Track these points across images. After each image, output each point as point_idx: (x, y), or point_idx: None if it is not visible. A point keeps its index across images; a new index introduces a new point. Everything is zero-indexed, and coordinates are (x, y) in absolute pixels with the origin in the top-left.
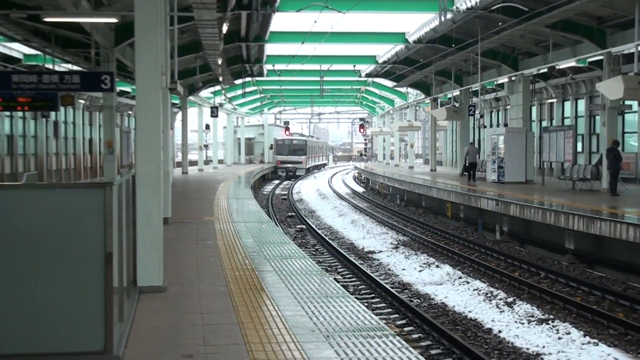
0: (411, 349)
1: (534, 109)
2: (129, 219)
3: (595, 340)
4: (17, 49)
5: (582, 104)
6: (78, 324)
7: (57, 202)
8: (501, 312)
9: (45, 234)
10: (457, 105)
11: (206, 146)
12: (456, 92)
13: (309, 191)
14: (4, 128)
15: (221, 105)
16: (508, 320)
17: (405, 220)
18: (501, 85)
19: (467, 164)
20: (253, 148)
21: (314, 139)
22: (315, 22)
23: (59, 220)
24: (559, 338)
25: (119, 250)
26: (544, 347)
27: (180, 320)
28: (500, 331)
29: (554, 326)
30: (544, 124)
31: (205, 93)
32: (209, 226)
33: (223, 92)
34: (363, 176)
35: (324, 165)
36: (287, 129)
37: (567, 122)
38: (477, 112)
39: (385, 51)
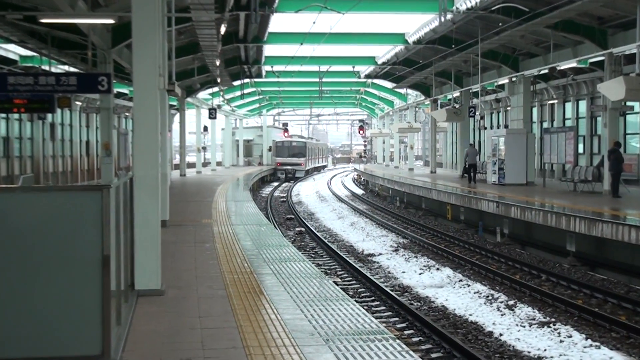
0: (411, 352)
1: (534, 110)
2: (127, 221)
3: (597, 344)
4: (13, 51)
5: (583, 105)
6: (75, 328)
7: (54, 205)
8: (502, 315)
9: (41, 237)
10: (457, 106)
11: (204, 148)
12: (456, 94)
13: (308, 193)
14: (0, 130)
15: (219, 106)
16: (509, 323)
17: (405, 223)
18: (501, 87)
19: (467, 166)
20: (252, 150)
21: (313, 141)
22: (314, 22)
23: (56, 224)
24: (561, 341)
25: (116, 254)
26: (545, 350)
27: (179, 324)
28: (501, 334)
29: (555, 329)
30: (545, 125)
31: (203, 95)
32: (207, 229)
33: (221, 93)
34: (362, 178)
35: (324, 167)
36: (285, 130)
37: (568, 123)
38: (477, 113)
39: (384, 52)
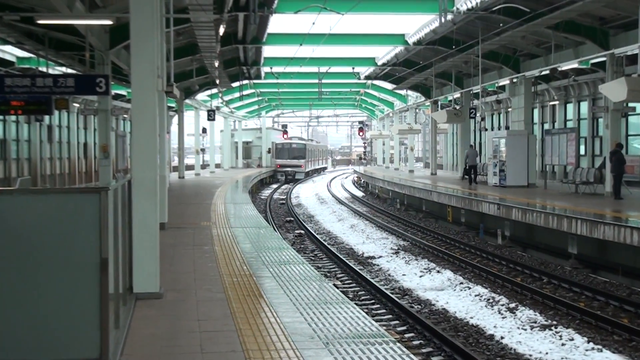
0: (412, 356)
1: (535, 111)
2: (125, 224)
3: (600, 347)
4: (10, 52)
5: (584, 106)
6: (73, 331)
7: (52, 208)
8: (503, 318)
9: (39, 240)
10: (457, 107)
11: (203, 150)
12: (457, 95)
13: (308, 195)
14: None
15: (218, 108)
16: (510, 326)
17: (405, 225)
18: (502, 88)
19: (467, 167)
20: (251, 152)
21: (313, 143)
22: (313, 23)
23: (54, 226)
24: (563, 344)
25: (114, 257)
26: (547, 353)
27: (177, 327)
28: (502, 337)
29: (557, 332)
30: (546, 126)
31: (201, 96)
32: (206, 231)
33: (220, 95)
34: (362, 180)
35: (324, 169)
36: (285, 132)
37: (570, 124)
38: (478, 114)
39: (384, 53)
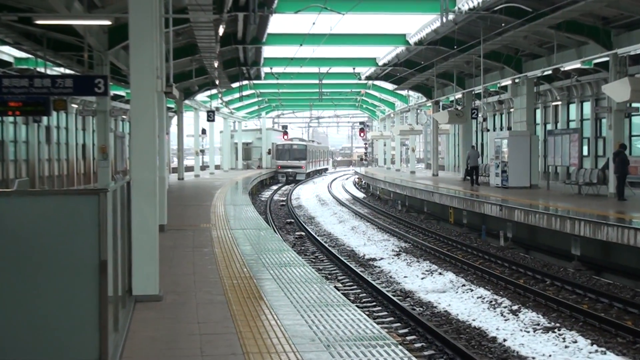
0: (414, 358)
1: (538, 111)
2: (124, 226)
3: (603, 349)
4: (8, 53)
5: (587, 107)
6: (72, 334)
7: (50, 209)
8: (506, 320)
9: (37, 242)
10: (459, 108)
11: (202, 151)
12: (458, 95)
13: (308, 197)
14: None
15: (218, 109)
16: (513, 328)
17: (407, 227)
18: (504, 88)
19: (468, 168)
20: (251, 153)
21: (314, 144)
22: (313, 23)
23: (52, 228)
24: (566, 347)
25: (113, 259)
26: (550, 356)
27: (177, 330)
28: (505, 340)
29: (560, 334)
30: (549, 127)
31: (201, 97)
32: (206, 233)
33: (220, 95)
34: (363, 181)
35: (325, 170)
36: (285, 133)
37: (573, 125)
38: (480, 115)
39: (385, 53)
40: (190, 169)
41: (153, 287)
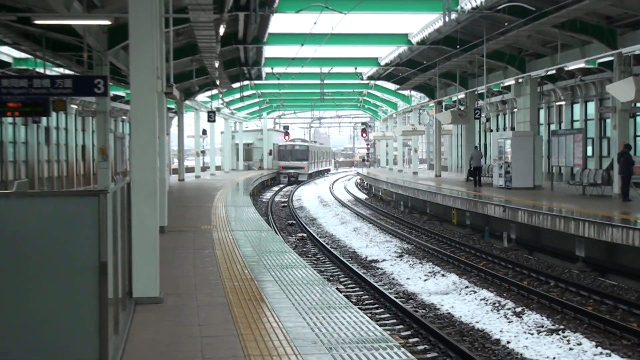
0: None
1: (541, 111)
2: (124, 227)
3: (608, 351)
4: (7, 53)
5: (591, 107)
6: (72, 337)
7: (49, 211)
8: (509, 322)
9: (37, 244)
10: (462, 108)
11: (203, 152)
12: (461, 95)
13: (310, 198)
14: None
15: (218, 109)
16: (517, 330)
17: (409, 228)
18: (508, 88)
19: (471, 169)
20: (252, 154)
21: (316, 144)
22: (315, 23)
23: (51, 230)
24: (570, 349)
25: (113, 260)
26: (554, 358)
27: (177, 333)
28: (508, 342)
29: (564, 337)
30: (553, 127)
31: (202, 97)
32: (207, 235)
33: (220, 96)
34: (365, 182)
35: (327, 171)
36: (286, 133)
37: (577, 125)
38: (483, 115)
39: (387, 53)
40: (190, 170)
41: (153, 289)
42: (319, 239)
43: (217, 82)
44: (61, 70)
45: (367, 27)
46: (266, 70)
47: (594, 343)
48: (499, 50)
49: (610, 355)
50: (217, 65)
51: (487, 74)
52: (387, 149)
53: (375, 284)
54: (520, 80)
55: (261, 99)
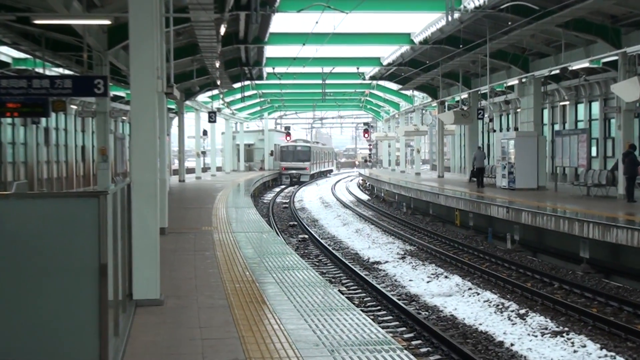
0: None
1: (545, 112)
2: (124, 229)
3: (613, 354)
4: (6, 53)
5: (596, 107)
6: (72, 339)
7: (49, 212)
8: (513, 324)
9: (36, 245)
10: (465, 108)
11: (204, 153)
12: (464, 95)
13: (312, 199)
14: None
15: (219, 110)
16: (520, 332)
17: (412, 229)
18: (511, 88)
19: (474, 169)
20: (253, 154)
21: (319, 145)
22: (316, 22)
23: (51, 231)
24: (575, 351)
25: (113, 262)
26: None
27: (178, 335)
28: (512, 344)
29: (569, 339)
30: (557, 127)
31: (202, 97)
32: (208, 236)
33: (221, 96)
34: (368, 183)
35: (330, 171)
36: (288, 134)
37: (581, 125)
38: (486, 115)
39: (390, 53)
40: (191, 170)
41: (154, 291)
42: (321, 240)
43: (218, 82)
44: (61, 70)
45: (369, 26)
46: (267, 70)
47: (598, 345)
48: (502, 50)
49: (615, 358)
50: (217, 65)
51: (490, 73)
52: (389, 149)
53: (378, 286)
54: (523, 80)
55: (262, 99)
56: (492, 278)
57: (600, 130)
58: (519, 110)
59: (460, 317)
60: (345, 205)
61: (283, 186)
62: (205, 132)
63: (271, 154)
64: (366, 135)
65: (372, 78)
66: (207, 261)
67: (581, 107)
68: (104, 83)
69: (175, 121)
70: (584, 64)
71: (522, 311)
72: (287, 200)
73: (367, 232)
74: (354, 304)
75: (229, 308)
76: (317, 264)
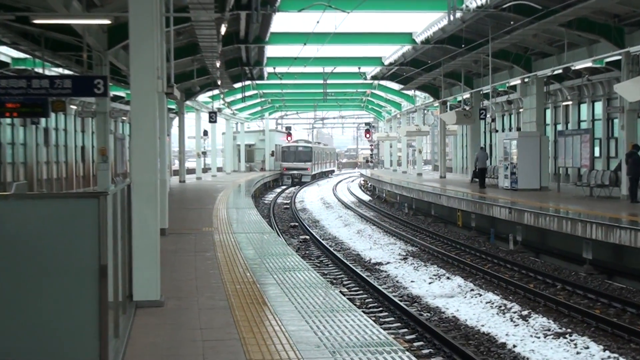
0: None
1: (548, 112)
2: (124, 230)
3: (616, 355)
4: (5, 53)
5: (599, 107)
6: (71, 340)
7: (49, 213)
8: (516, 325)
9: (36, 246)
10: (467, 108)
11: (204, 153)
12: (466, 95)
13: (313, 200)
14: None
15: (220, 110)
16: (523, 334)
17: (414, 230)
18: (514, 88)
19: (476, 170)
20: (253, 155)
21: (320, 145)
22: (318, 22)
23: (51, 232)
24: (578, 353)
25: (113, 263)
26: None
27: (179, 337)
28: (514, 346)
29: (571, 340)
30: (559, 127)
31: (203, 97)
32: (208, 237)
33: (222, 96)
34: (369, 184)
35: (332, 172)
36: (289, 134)
37: (584, 125)
38: (488, 115)
39: (391, 52)
40: (191, 171)
41: (154, 293)
42: (322, 241)
43: (219, 82)
44: (60, 70)
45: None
46: (268, 70)
47: (601, 347)
48: (505, 50)
49: (618, 359)
50: (218, 65)
51: (492, 73)
52: (391, 150)
53: (379, 287)
54: (526, 80)
55: (263, 99)
56: (495, 279)
57: (603, 131)
58: (521, 110)
59: (462, 318)
60: (346, 206)
61: (284, 187)
62: (205, 133)
63: (272, 155)
64: (367, 135)
65: (374, 78)
66: (207, 262)
67: (584, 107)
68: (104, 83)
69: (176, 121)
70: (587, 63)
71: (525, 312)
72: (288, 201)
73: (368, 233)
74: (355, 305)
75: (229, 309)
76: (318, 265)
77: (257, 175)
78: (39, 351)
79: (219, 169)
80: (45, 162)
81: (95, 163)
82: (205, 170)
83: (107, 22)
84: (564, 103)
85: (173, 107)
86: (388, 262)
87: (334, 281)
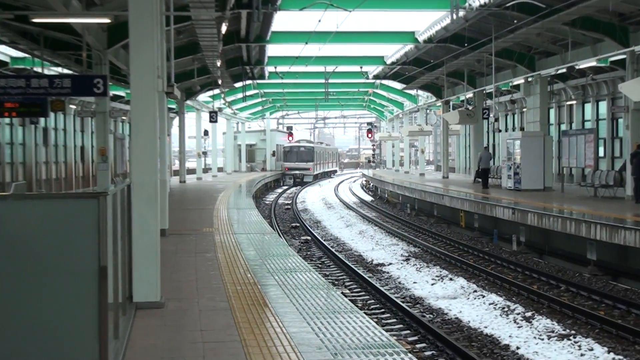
0: None
1: (552, 111)
2: (124, 230)
3: (620, 357)
4: (4, 52)
5: (603, 106)
6: (71, 341)
7: (48, 213)
8: (519, 327)
9: (35, 247)
10: (470, 108)
11: (205, 153)
12: (469, 95)
13: (314, 200)
14: None
15: (220, 109)
16: (526, 336)
17: (416, 231)
18: (517, 87)
19: (479, 170)
20: (254, 155)
21: (322, 145)
22: (319, 21)
23: (50, 233)
24: (582, 355)
25: (113, 264)
26: None
27: (179, 338)
28: (518, 347)
29: (575, 342)
30: (563, 127)
31: (203, 97)
32: (209, 238)
33: (222, 96)
34: (371, 184)
35: (334, 172)
36: (290, 134)
37: (588, 125)
38: (491, 115)
39: (393, 51)
40: (192, 171)
41: (154, 294)
42: (324, 242)
43: (219, 82)
44: (59, 69)
45: (372, 25)
46: (269, 69)
47: (605, 349)
48: (508, 49)
49: None
50: (219, 64)
51: (495, 72)
52: (393, 149)
53: (382, 288)
54: (529, 79)
55: (264, 99)
56: (498, 280)
57: (607, 130)
58: (524, 109)
59: (465, 320)
60: (348, 207)
61: (285, 187)
62: (206, 132)
63: (273, 155)
64: (369, 135)
65: (376, 77)
66: (208, 263)
67: (588, 107)
68: (104, 82)
69: (176, 121)
70: (591, 62)
71: (528, 314)
72: (290, 202)
73: (370, 234)
74: (357, 306)
75: (230, 311)
76: (319, 266)
77: (258, 176)
78: (39, 352)
79: (220, 169)
80: (44, 162)
81: (95, 163)
82: (206, 170)
83: (106, 21)
84: (568, 102)
85: (173, 106)
86: (390, 263)
87: (336, 282)
